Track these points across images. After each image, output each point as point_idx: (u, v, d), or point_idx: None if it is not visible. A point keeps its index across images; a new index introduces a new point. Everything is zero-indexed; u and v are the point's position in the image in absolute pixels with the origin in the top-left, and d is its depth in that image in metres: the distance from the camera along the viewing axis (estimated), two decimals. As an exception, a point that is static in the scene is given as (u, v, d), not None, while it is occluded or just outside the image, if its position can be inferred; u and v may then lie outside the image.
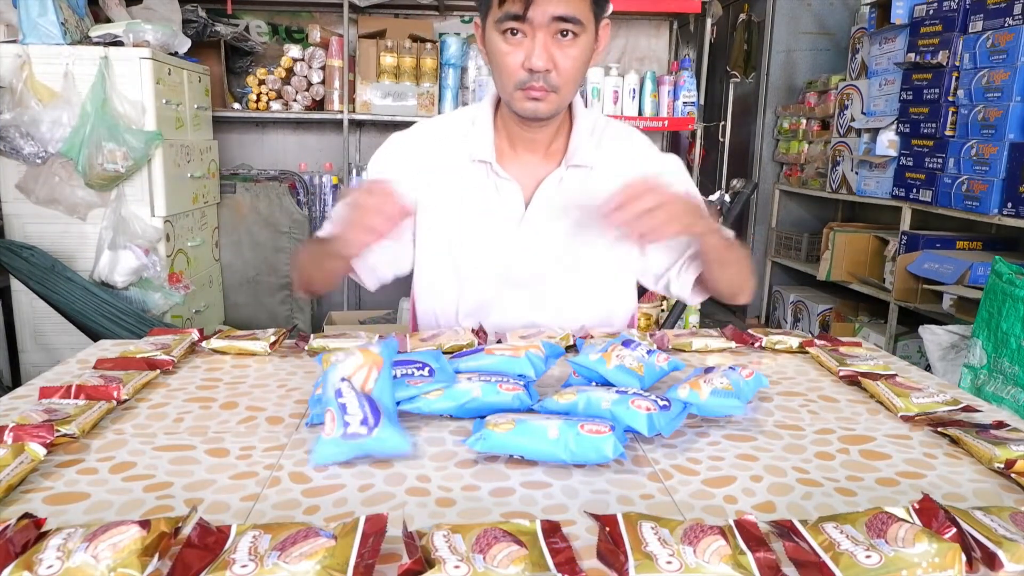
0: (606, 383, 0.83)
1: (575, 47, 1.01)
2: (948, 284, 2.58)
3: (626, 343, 0.88)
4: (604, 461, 0.66)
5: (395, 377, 0.78)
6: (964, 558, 0.49)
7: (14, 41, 2.32)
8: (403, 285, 1.31)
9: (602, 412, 0.72)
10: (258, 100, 3.21)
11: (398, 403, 0.76)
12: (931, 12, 2.76)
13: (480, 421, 0.71)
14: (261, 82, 3.20)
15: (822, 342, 1.08)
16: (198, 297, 2.84)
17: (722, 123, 3.96)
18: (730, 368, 0.84)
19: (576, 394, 0.76)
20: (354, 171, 3.39)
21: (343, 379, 0.69)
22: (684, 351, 1.07)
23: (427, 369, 0.80)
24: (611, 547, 0.51)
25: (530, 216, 1.16)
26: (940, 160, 2.70)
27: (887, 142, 2.99)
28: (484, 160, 1.14)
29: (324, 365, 0.75)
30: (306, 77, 3.21)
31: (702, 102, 3.33)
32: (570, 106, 1.16)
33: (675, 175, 1.18)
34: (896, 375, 0.92)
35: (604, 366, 0.83)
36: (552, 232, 1.16)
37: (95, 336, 2.24)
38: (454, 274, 1.19)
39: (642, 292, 1.42)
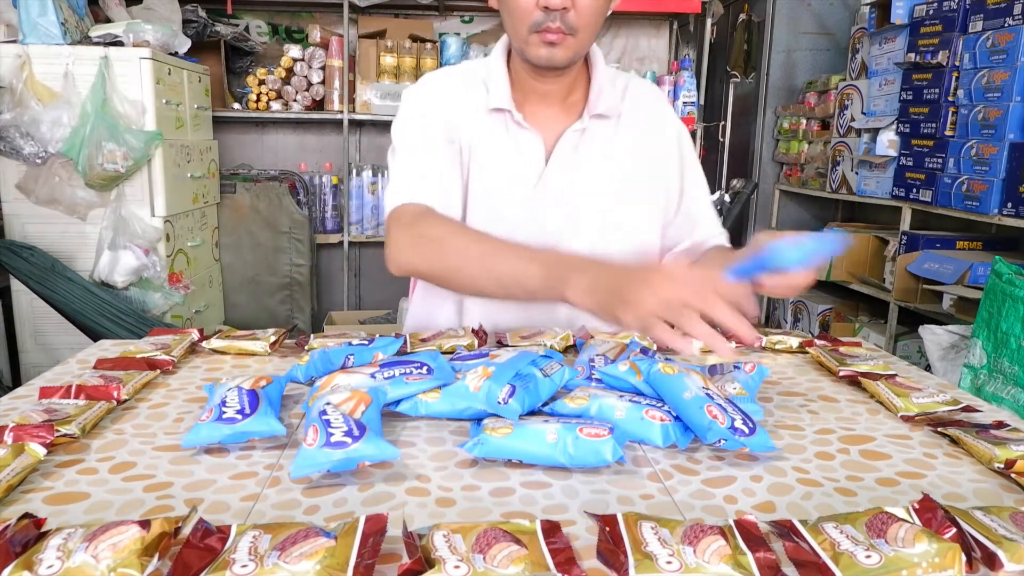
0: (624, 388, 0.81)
1: None
2: (948, 284, 2.58)
3: (644, 351, 0.87)
4: (603, 465, 0.65)
5: (393, 376, 0.78)
6: (964, 558, 0.49)
7: (14, 41, 2.32)
8: (403, 285, 1.27)
9: (614, 422, 0.71)
10: (258, 100, 3.21)
11: (397, 401, 0.76)
12: (931, 12, 2.76)
13: (477, 425, 0.71)
14: (261, 82, 3.20)
15: (822, 342, 1.08)
16: (198, 297, 2.84)
17: (722, 123, 3.96)
18: (734, 367, 0.83)
19: (588, 399, 0.75)
20: (354, 171, 3.39)
21: (328, 403, 0.69)
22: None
23: (425, 368, 0.80)
24: (611, 547, 0.51)
25: (550, 171, 1.09)
26: (940, 160, 2.70)
27: (887, 142, 2.99)
28: (502, 108, 1.07)
29: (311, 401, 0.73)
30: (306, 77, 3.22)
31: (702, 102, 3.33)
32: (586, 58, 1.09)
33: (689, 140, 1.20)
34: (896, 375, 0.92)
35: (634, 377, 0.80)
36: (576, 185, 1.09)
37: (95, 336, 2.24)
38: None
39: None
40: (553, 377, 0.79)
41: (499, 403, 0.71)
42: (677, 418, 0.72)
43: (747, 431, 0.69)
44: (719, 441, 0.68)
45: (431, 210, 1.03)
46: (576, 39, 0.98)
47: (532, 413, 0.76)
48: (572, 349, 1.05)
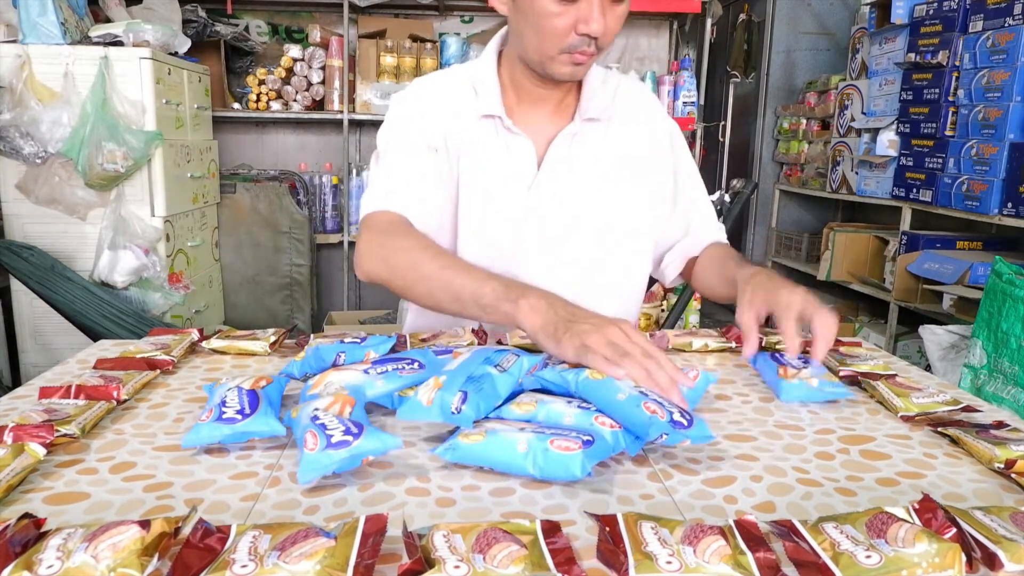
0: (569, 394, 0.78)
1: (622, 6, 0.98)
2: (948, 284, 2.58)
3: None
4: (572, 479, 0.63)
5: (386, 371, 0.78)
6: (964, 558, 0.49)
7: (14, 41, 2.32)
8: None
9: (564, 426, 0.70)
10: (258, 100, 3.21)
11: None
12: (931, 12, 2.76)
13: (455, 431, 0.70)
14: (261, 82, 3.20)
15: (822, 342, 1.07)
16: (198, 297, 2.84)
17: (722, 123, 3.96)
18: (802, 361, 0.89)
19: (535, 404, 0.73)
20: (354, 171, 3.39)
21: (316, 408, 0.69)
22: (684, 351, 1.07)
23: (416, 364, 0.81)
24: (611, 547, 0.51)
25: (543, 175, 1.09)
26: (940, 160, 2.70)
27: (887, 142, 2.99)
28: (493, 115, 1.08)
29: (293, 414, 0.72)
30: (306, 77, 3.22)
31: (702, 102, 3.33)
32: None
33: (681, 138, 1.21)
34: (896, 375, 0.92)
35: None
36: (568, 189, 1.10)
37: (95, 336, 2.24)
38: (451, 242, 1.11)
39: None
40: (511, 370, 0.77)
41: (452, 413, 0.69)
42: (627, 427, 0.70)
43: (686, 423, 0.68)
44: (661, 436, 0.66)
45: (403, 221, 1.03)
46: (596, 56, 1.01)
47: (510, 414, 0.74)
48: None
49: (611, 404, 0.71)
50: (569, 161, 1.10)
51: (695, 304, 2.99)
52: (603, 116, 1.11)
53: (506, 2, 1.02)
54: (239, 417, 0.69)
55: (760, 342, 0.93)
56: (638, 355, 0.77)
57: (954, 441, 0.75)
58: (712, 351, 1.07)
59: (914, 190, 2.85)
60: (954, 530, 0.52)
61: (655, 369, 0.75)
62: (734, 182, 2.76)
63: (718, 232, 1.23)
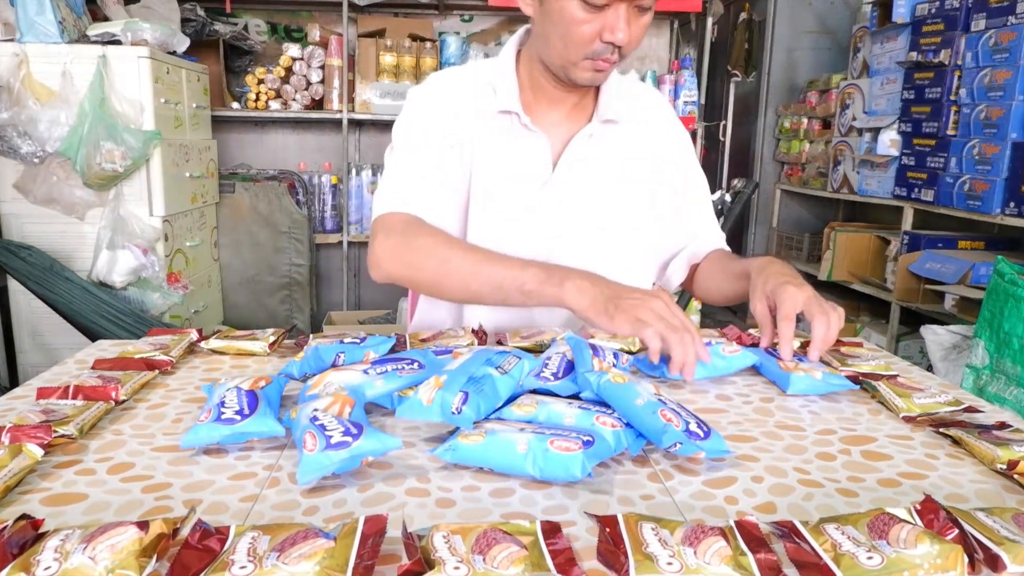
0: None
1: (646, 16, 0.99)
2: (950, 284, 2.57)
3: (595, 349, 0.85)
4: (572, 480, 0.63)
5: (386, 371, 0.78)
6: (966, 559, 0.49)
7: (12, 40, 2.32)
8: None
9: (564, 426, 0.70)
10: (257, 99, 3.21)
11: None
12: (933, 11, 2.75)
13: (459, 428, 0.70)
14: (260, 81, 3.20)
15: (823, 342, 1.07)
16: (197, 297, 2.84)
17: (723, 122, 3.96)
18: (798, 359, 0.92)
19: (536, 406, 0.73)
20: (353, 171, 3.39)
21: (315, 409, 0.68)
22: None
23: (416, 364, 0.81)
24: (611, 548, 0.51)
25: (558, 174, 1.11)
26: (942, 159, 2.70)
27: (888, 141, 2.99)
28: (510, 111, 1.09)
29: (292, 414, 0.72)
30: (305, 76, 3.21)
31: (703, 101, 3.33)
32: None
33: (690, 143, 1.24)
34: (898, 375, 0.92)
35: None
36: (582, 190, 1.12)
37: (93, 336, 2.24)
38: (459, 236, 1.12)
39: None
40: (512, 372, 0.77)
41: (452, 413, 0.69)
42: (628, 425, 0.71)
43: (702, 435, 0.68)
44: (674, 445, 0.66)
45: (420, 220, 1.05)
46: (619, 63, 1.02)
47: (506, 415, 0.74)
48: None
49: (629, 408, 0.71)
50: (585, 162, 1.12)
51: (695, 304, 2.99)
52: (619, 118, 1.12)
53: (532, 4, 1.02)
54: (238, 418, 0.69)
55: (772, 336, 0.95)
56: (678, 327, 0.84)
57: (956, 442, 0.74)
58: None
59: (916, 190, 2.85)
60: (956, 531, 0.52)
61: (684, 344, 0.83)
62: (735, 182, 2.77)
63: (720, 239, 1.24)
